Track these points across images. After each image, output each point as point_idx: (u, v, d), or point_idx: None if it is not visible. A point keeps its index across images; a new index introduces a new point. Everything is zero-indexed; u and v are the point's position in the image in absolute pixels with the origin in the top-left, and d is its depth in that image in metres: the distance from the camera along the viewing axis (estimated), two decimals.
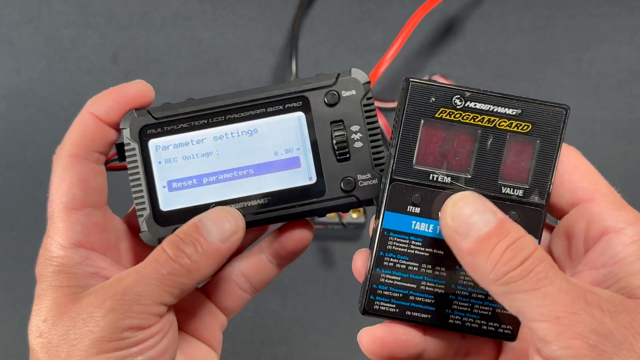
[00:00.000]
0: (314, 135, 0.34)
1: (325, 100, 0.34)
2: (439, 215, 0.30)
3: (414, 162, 0.32)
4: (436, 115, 0.32)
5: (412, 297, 0.33)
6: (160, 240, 0.34)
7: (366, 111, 0.34)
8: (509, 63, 0.61)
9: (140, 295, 0.30)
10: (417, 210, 0.32)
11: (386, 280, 0.33)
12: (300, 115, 0.34)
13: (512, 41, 0.61)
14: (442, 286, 0.33)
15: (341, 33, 0.62)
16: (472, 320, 0.33)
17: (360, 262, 0.34)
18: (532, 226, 0.32)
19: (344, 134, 0.33)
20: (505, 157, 0.32)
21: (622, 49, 0.61)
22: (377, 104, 0.60)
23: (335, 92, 0.34)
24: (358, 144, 0.34)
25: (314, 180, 0.34)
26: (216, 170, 0.34)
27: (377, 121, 0.34)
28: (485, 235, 0.28)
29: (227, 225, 0.32)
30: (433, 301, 0.33)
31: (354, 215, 0.57)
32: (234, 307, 0.38)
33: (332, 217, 0.57)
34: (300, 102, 0.34)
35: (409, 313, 0.33)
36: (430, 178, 0.32)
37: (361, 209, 0.57)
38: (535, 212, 0.32)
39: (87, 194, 0.33)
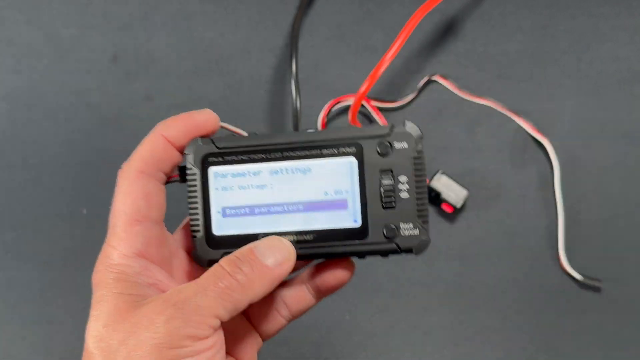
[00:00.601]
0: (363, 181, 0.36)
1: (378, 149, 0.35)
2: None
3: None
4: None
5: None
6: (209, 262, 0.36)
7: (416, 164, 0.36)
8: (508, 63, 0.61)
9: (200, 306, 0.31)
10: None
11: None
12: (352, 160, 0.36)
13: (512, 41, 0.61)
14: None
15: (341, 33, 0.62)
16: None
17: None
18: None
19: (391, 184, 0.35)
20: None
21: (622, 49, 0.61)
22: (376, 104, 0.60)
23: (388, 143, 0.35)
24: (404, 195, 0.35)
25: (358, 223, 0.36)
26: (268, 203, 0.36)
27: (424, 175, 0.36)
28: None
29: (279, 254, 0.34)
30: None
31: None
32: (271, 332, 0.40)
33: None
34: (354, 148, 0.36)
35: None
36: None
37: None
38: None
39: (149, 208, 0.35)
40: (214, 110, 0.61)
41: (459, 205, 0.57)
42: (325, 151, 0.36)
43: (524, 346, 0.57)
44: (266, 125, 0.61)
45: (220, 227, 0.36)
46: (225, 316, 0.33)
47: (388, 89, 0.61)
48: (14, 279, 0.59)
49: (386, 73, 0.60)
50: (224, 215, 0.36)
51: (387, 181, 0.35)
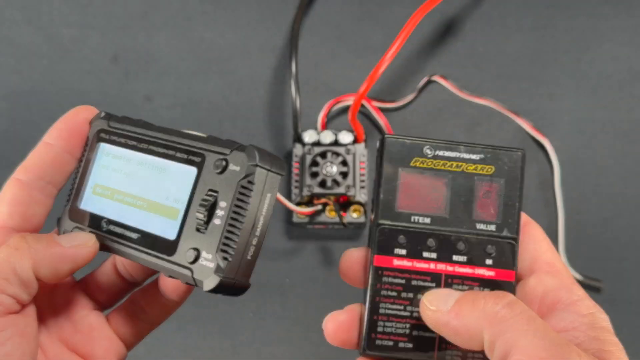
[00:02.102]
0: (193, 195, 0.33)
1: (215, 164, 0.32)
2: (420, 310, 0.33)
3: (396, 206, 0.35)
4: (411, 164, 0.35)
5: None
6: (64, 232, 0.36)
7: (240, 193, 0.31)
8: (508, 63, 0.61)
9: None
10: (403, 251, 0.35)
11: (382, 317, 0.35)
12: (193, 171, 0.33)
13: (511, 41, 0.61)
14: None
15: (341, 33, 0.62)
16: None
17: (332, 324, 0.35)
18: (507, 258, 0.34)
19: (207, 205, 0.31)
20: (475, 197, 0.35)
21: (621, 49, 0.61)
22: (376, 104, 0.60)
23: (225, 161, 0.31)
24: (217, 221, 0.31)
25: (173, 237, 0.33)
26: (126, 191, 0.35)
27: (245, 208, 0.31)
28: (462, 296, 0.31)
29: (76, 238, 0.34)
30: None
31: (354, 215, 0.57)
32: (132, 338, 0.39)
33: (332, 216, 0.57)
34: (200, 159, 0.33)
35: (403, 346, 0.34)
36: (412, 220, 0.35)
37: (361, 209, 0.57)
38: (508, 245, 0.35)
39: (10, 216, 0.35)
40: (214, 110, 0.61)
41: None
42: (178, 154, 0.33)
43: None
44: (266, 125, 0.61)
45: (86, 202, 0.36)
46: (13, 290, 0.31)
47: (388, 89, 0.61)
48: None
49: (386, 73, 0.60)
50: (94, 192, 0.36)
51: (205, 202, 0.31)
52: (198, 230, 0.32)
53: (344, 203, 0.58)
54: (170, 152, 0.34)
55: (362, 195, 0.57)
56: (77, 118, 0.37)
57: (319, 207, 0.57)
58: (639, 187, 0.59)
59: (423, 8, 0.54)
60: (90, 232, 0.35)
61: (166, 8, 0.63)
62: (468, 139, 0.60)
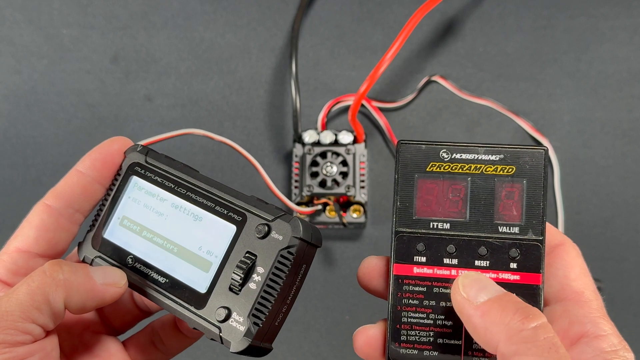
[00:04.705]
0: (229, 252, 0.33)
1: (257, 229, 0.32)
2: (450, 291, 0.32)
3: (414, 213, 0.34)
4: (427, 169, 0.34)
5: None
6: (84, 259, 0.36)
7: (279, 262, 0.32)
8: (508, 63, 0.61)
9: (8, 311, 0.30)
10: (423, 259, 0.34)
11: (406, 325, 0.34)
12: (233, 228, 0.33)
13: (511, 41, 0.61)
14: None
15: (341, 33, 0.62)
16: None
17: (361, 338, 0.34)
18: (533, 260, 0.33)
19: (245, 268, 0.32)
20: (496, 199, 0.34)
21: (621, 49, 0.61)
22: (376, 104, 0.60)
23: (268, 227, 0.32)
24: (253, 286, 0.32)
25: (203, 290, 0.33)
26: (157, 231, 0.35)
27: (282, 277, 0.31)
28: (497, 297, 0.30)
29: (109, 276, 0.34)
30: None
31: (354, 215, 0.57)
32: None
33: (332, 216, 0.57)
34: (241, 218, 0.33)
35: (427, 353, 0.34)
36: (431, 226, 0.34)
37: (361, 209, 0.57)
38: (534, 247, 0.33)
39: (37, 241, 0.35)
40: (214, 110, 0.61)
41: None
42: (218, 208, 0.34)
43: None
44: (266, 125, 0.61)
45: (111, 233, 0.36)
46: (43, 320, 0.31)
47: (388, 89, 0.61)
48: None
49: (386, 73, 0.60)
50: (121, 223, 0.36)
51: (243, 264, 0.32)
52: (231, 290, 0.32)
53: (344, 203, 0.58)
54: (210, 204, 0.34)
55: (362, 195, 0.57)
56: (111, 149, 0.36)
57: (319, 207, 0.57)
58: (639, 187, 0.59)
59: (423, 8, 0.54)
60: (113, 264, 0.35)
61: (166, 8, 0.63)
62: (468, 139, 0.60)
